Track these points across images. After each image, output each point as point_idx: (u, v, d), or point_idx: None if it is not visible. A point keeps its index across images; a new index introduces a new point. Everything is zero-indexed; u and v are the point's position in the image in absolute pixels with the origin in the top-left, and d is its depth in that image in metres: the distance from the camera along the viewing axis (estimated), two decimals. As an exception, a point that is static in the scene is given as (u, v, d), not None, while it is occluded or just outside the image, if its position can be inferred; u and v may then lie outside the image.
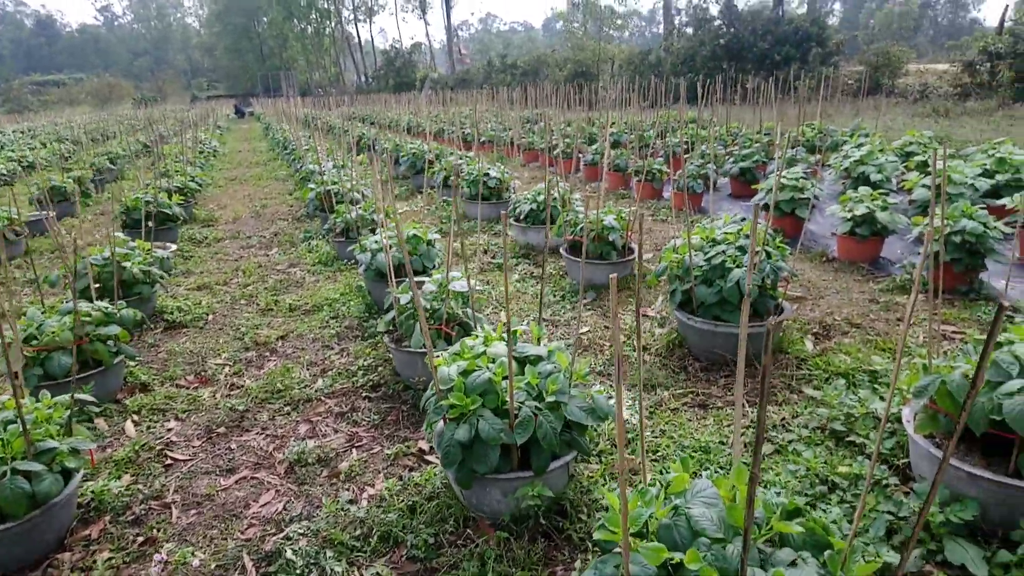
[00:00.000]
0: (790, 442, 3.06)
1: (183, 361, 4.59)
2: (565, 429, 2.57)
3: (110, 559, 2.70)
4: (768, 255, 3.82)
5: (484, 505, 2.63)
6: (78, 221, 10.15)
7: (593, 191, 10.06)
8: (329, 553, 2.63)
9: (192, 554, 2.69)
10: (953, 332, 4.23)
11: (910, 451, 2.70)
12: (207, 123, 26.30)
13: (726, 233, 4.03)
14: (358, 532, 2.73)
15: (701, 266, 3.86)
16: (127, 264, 5.12)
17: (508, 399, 2.44)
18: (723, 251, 3.87)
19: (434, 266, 5.12)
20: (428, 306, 3.76)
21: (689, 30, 30.50)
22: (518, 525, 2.56)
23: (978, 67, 20.35)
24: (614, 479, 2.91)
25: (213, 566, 2.61)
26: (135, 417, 3.84)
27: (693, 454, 3.03)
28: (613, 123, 12.52)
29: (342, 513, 2.84)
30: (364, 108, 31.59)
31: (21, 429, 2.54)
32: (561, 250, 5.50)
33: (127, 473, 3.28)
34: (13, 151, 17.69)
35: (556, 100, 16.99)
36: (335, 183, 8.08)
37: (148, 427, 3.74)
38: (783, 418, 3.31)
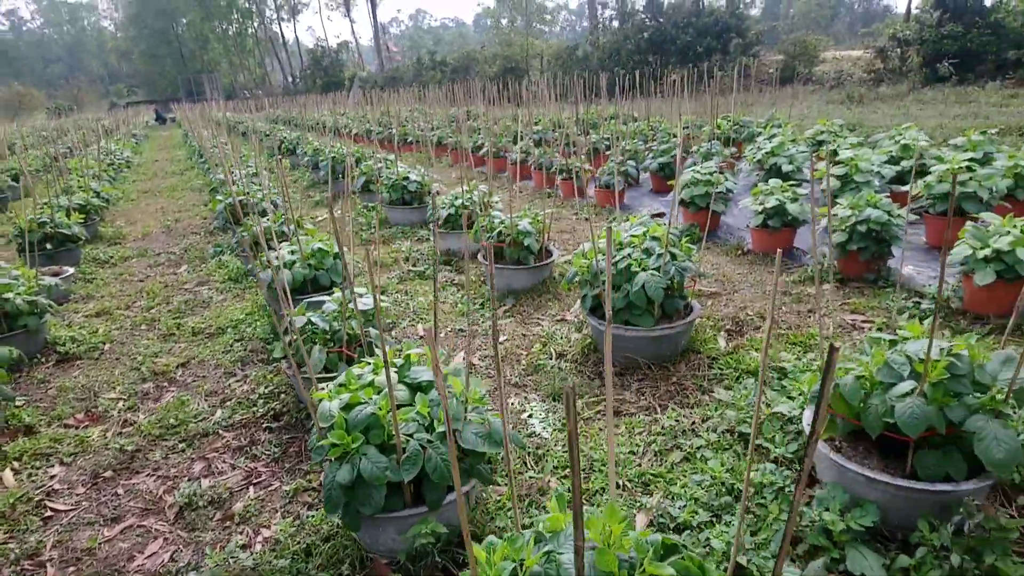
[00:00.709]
0: (698, 448, 3.01)
1: (73, 397, 4.26)
2: (461, 458, 2.44)
3: (-31, 635, 2.44)
4: (673, 256, 3.78)
5: (380, 544, 2.48)
6: (-27, 245, 9.47)
7: (517, 192, 9.97)
8: (216, 610, 2.44)
9: (64, 622, 2.45)
10: (863, 321, 4.28)
11: (811, 454, 2.67)
12: (121, 132, 25.12)
13: (632, 236, 3.98)
14: (251, 588, 2.54)
15: (612, 271, 3.79)
16: (9, 295, 4.73)
17: (394, 433, 2.29)
18: (628, 255, 3.81)
19: (334, 284, 4.91)
20: (327, 327, 3.57)
21: (615, 24, 30.79)
22: (415, 564, 2.42)
23: (889, 53, 21.18)
24: (522, 499, 2.80)
25: (84, 635, 2.38)
26: (15, 464, 3.53)
27: (602, 467, 2.95)
28: (538, 121, 12.46)
29: (231, 561, 2.65)
30: (290, 110, 30.75)
31: None
32: (479, 256, 5.37)
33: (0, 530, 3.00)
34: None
35: (485, 97, 16.81)
36: (245, 193, 7.74)
37: (29, 475, 3.43)
38: (693, 422, 3.27)
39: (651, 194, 8.61)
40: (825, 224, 5.08)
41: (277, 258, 4.83)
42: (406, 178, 7.69)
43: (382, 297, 3.84)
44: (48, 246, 7.38)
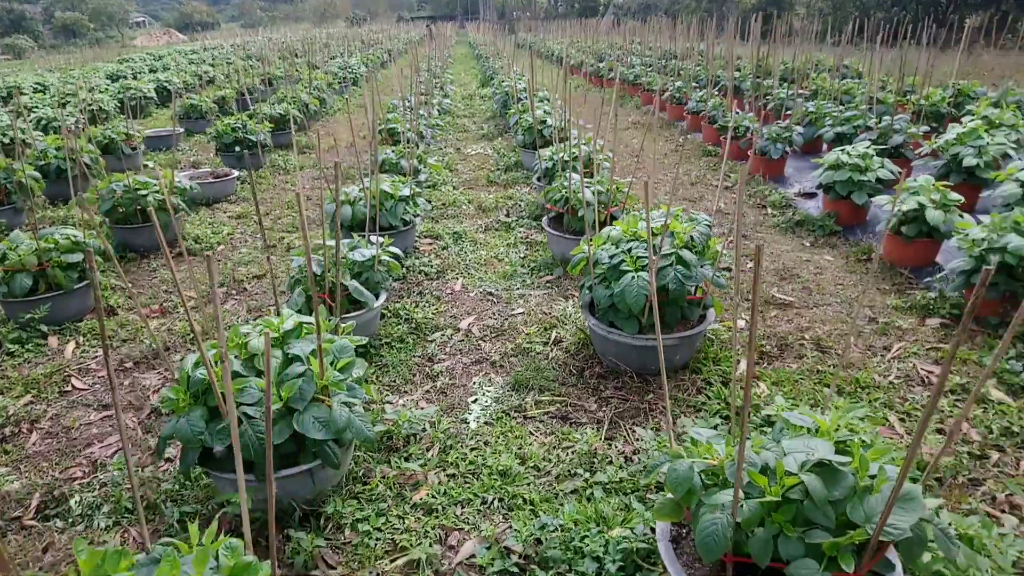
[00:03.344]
0: (595, 485, 2.65)
1: (164, 290, 4.94)
2: (297, 439, 2.43)
3: (-46, 474, 3.04)
4: (680, 260, 3.23)
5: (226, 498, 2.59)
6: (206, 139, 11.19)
7: (681, 143, 9.18)
8: (101, 514, 2.73)
9: (10, 482, 2.94)
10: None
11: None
12: (381, 47, 27.38)
13: (645, 228, 3.46)
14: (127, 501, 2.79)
15: (604, 263, 3.37)
16: (145, 193, 5.55)
17: (218, 402, 2.34)
18: (628, 249, 3.35)
19: (402, 224, 5.00)
20: (319, 271, 3.68)
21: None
22: (238, 527, 2.50)
23: None
24: (392, 489, 2.71)
25: (8, 498, 2.84)
26: (80, 339, 4.23)
27: (488, 478, 2.73)
28: (740, 68, 11.17)
29: (133, 472, 2.94)
30: (535, 36, 31.07)
31: None
32: (544, 220, 5.09)
33: (30, 393, 3.64)
34: (201, 66, 19.78)
35: (736, 33, 15.32)
36: (410, 119, 8.13)
37: (83, 351, 4.10)
38: (624, 452, 2.87)
39: (822, 168, 7.38)
40: (955, 243, 4.00)
41: (347, 193, 5.05)
42: (543, 122, 7.45)
43: (386, 248, 3.82)
44: (237, 149, 8.46)
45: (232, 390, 2.34)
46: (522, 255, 5.21)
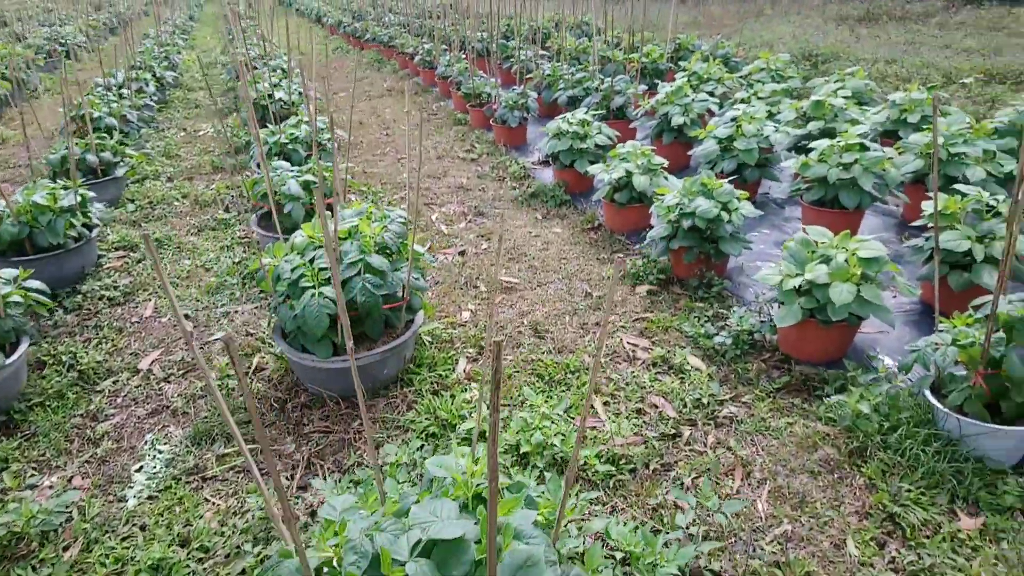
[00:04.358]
0: (263, 560, 2.28)
1: None
2: None
3: None
4: (369, 268, 2.90)
5: None
6: None
7: (434, 111, 8.90)
8: None
9: None
10: (643, 349, 3.38)
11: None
12: (104, 12, 23.84)
13: (340, 231, 3.09)
14: None
15: (286, 278, 2.95)
16: None
17: None
18: (311, 260, 2.95)
19: (71, 241, 4.16)
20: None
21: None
22: None
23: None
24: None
25: None
26: None
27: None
28: (483, 24, 11.06)
29: None
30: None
31: None
32: (253, 218, 4.52)
33: None
34: None
35: None
36: (109, 102, 6.94)
37: None
38: (312, 506, 2.52)
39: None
40: (655, 210, 4.08)
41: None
42: (269, 95, 6.71)
43: (20, 283, 3.05)
44: None
45: None
46: (237, 259, 4.60)
